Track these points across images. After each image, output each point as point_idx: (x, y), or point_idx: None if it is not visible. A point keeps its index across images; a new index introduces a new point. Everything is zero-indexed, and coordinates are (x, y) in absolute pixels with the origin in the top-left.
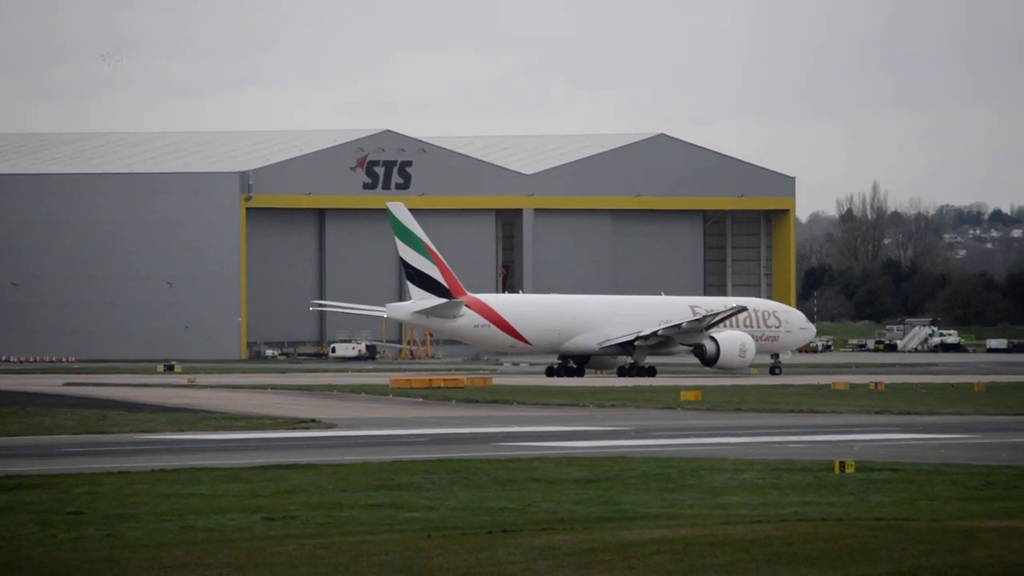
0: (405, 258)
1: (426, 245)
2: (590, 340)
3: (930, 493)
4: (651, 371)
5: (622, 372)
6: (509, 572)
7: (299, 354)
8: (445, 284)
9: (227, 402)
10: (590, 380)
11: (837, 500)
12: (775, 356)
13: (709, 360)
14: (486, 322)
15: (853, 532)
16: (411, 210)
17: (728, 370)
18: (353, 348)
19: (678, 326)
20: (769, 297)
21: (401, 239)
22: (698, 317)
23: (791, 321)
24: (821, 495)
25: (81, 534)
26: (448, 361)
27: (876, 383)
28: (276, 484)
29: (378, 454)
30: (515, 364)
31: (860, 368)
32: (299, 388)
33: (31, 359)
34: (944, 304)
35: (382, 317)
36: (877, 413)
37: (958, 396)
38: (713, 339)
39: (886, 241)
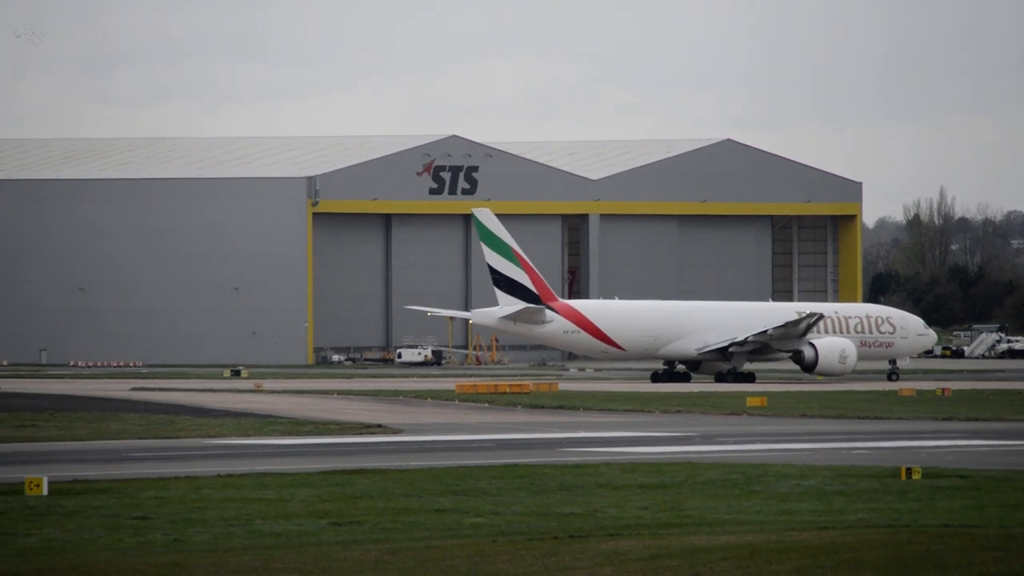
0: (492, 264)
1: (514, 251)
2: (688, 346)
3: (998, 499)
4: (750, 377)
5: (720, 378)
6: None
7: (365, 359)
8: (535, 289)
9: (294, 407)
10: (663, 386)
11: (904, 506)
12: (892, 362)
13: (808, 366)
14: (576, 328)
15: (920, 539)
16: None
17: (829, 376)
18: (419, 353)
19: (765, 332)
20: (836, 301)
21: (488, 245)
22: (782, 324)
23: (908, 327)
24: (888, 501)
25: (148, 538)
26: (514, 366)
27: (943, 389)
28: (342, 489)
29: (444, 459)
30: (580, 370)
31: (927, 374)
32: (365, 393)
33: (99, 364)
34: (1012, 310)
35: (448, 322)
36: (944, 419)
37: None
38: (812, 345)
39: (953, 247)
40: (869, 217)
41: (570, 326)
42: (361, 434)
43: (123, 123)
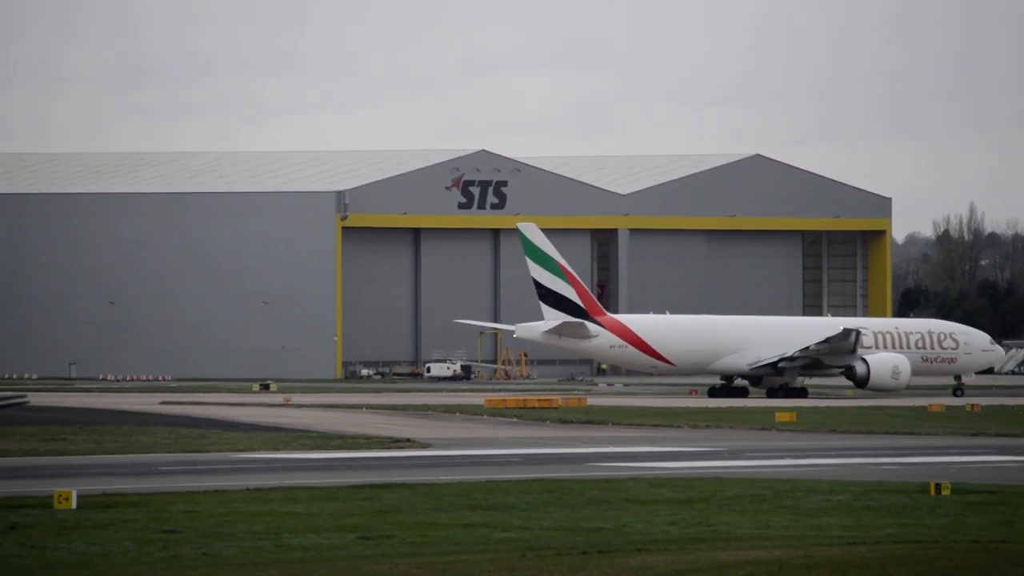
0: (537, 278)
1: (560, 265)
2: (740, 361)
3: None
4: (802, 392)
5: (771, 393)
6: None
7: (394, 374)
8: (581, 304)
9: (322, 421)
10: (689, 400)
11: (933, 522)
12: (958, 378)
13: (860, 382)
14: (623, 342)
15: (949, 554)
16: (505, 230)
17: (882, 392)
18: (448, 368)
19: (808, 348)
20: (864, 316)
21: (533, 259)
22: (824, 339)
23: (971, 343)
24: (917, 517)
25: (177, 552)
26: (543, 381)
27: (972, 405)
28: (371, 503)
29: (473, 474)
30: (610, 385)
31: (931, 391)
32: (394, 408)
33: (128, 378)
34: None
35: (477, 337)
36: (974, 435)
37: None
38: (864, 361)
39: (983, 262)
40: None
41: (617, 341)
42: (390, 448)
43: (154, 138)
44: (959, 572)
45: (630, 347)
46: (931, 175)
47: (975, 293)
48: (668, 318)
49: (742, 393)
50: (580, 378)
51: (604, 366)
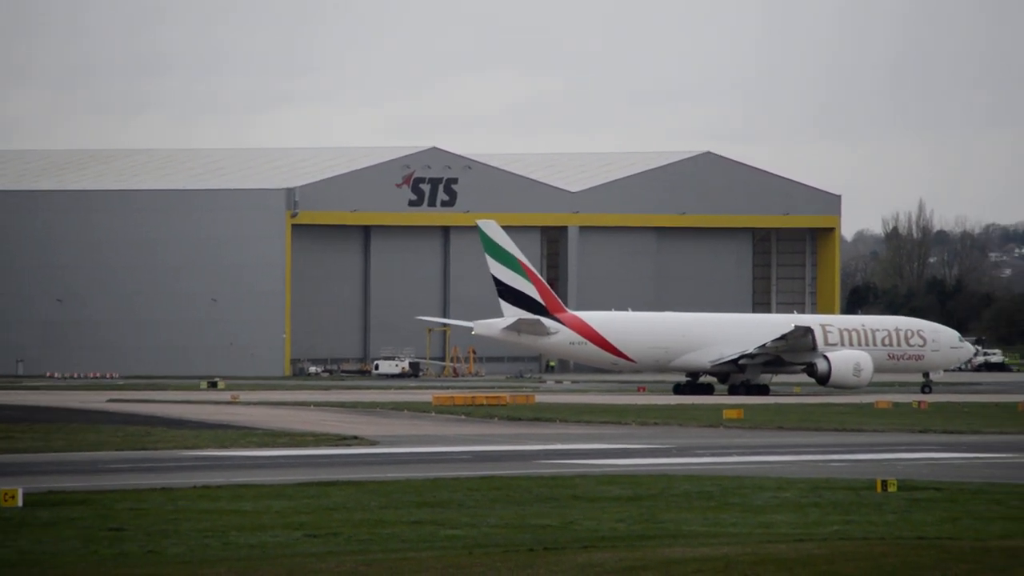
0: (496, 275)
1: (520, 262)
2: (702, 358)
3: (973, 512)
4: (764, 389)
5: (733, 390)
6: None
7: (342, 371)
8: (541, 300)
9: (270, 419)
10: (637, 397)
11: (879, 519)
12: (926, 375)
13: (821, 379)
14: (583, 339)
15: (896, 551)
16: (455, 227)
17: (843, 389)
18: (396, 365)
19: (764, 345)
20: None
21: (492, 256)
22: (779, 336)
23: (940, 340)
24: (863, 514)
25: (124, 550)
26: (491, 378)
27: (919, 402)
28: (318, 501)
29: (420, 471)
30: (558, 382)
31: (904, 387)
32: (342, 405)
33: (75, 375)
34: (989, 323)
35: (426, 334)
36: (920, 432)
37: (1002, 416)
38: (826, 358)
39: (931, 260)
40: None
41: (577, 338)
42: (337, 446)
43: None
44: (906, 569)
45: (590, 344)
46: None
47: (923, 290)
48: (629, 315)
49: (707, 390)
50: (528, 375)
51: (552, 363)
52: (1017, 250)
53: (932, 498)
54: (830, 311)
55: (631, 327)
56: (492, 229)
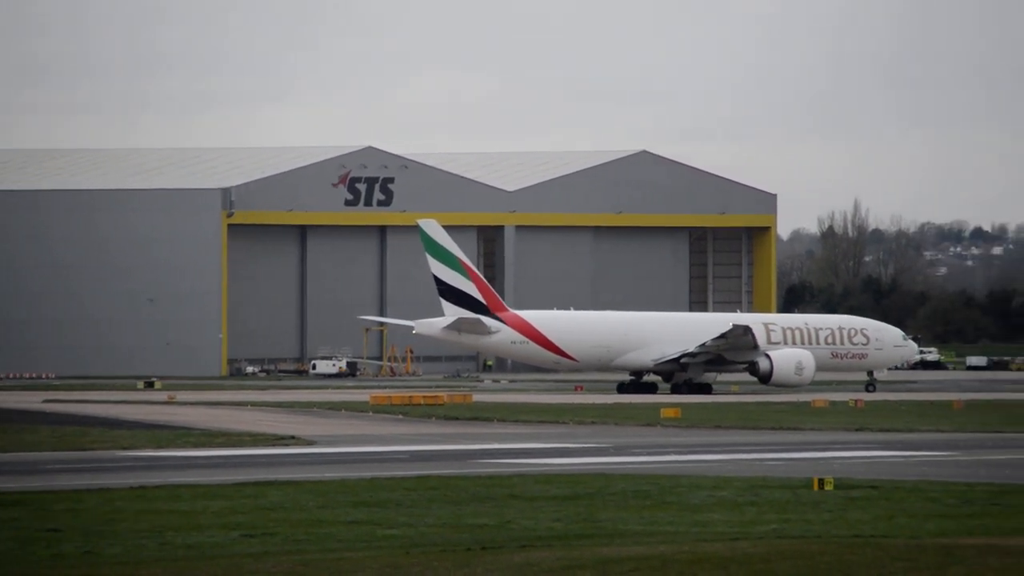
0: (437, 274)
1: (461, 261)
2: (644, 357)
3: (909, 510)
4: (707, 388)
5: (676, 389)
6: None
7: (279, 371)
8: (482, 300)
9: (207, 419)
10: (575, 397)
11: (816, 517)
12: (870, 373)
13: (763, 377)
14: (524, 339)
15: (832, 549)
16: (392, 227)
17: (785, 387)
18: (333, 365)
19: (704, 344)
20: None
21: (433, 255)
22: (719, 335)
23: (884, 339)
24: (800, 512)
25: (60, 551)
26: (428, 378)
27: (856, 400)
28: (255, 501)
29: (357, 471)
30: (495, 381)
31: (840, 385)
32: (279, 405)
33: (10, 375)
34: (924, 321)
35: (363, 334)
36: (857, 430)
37: (938, 414)
38: (767, 356)
39: (867, 258)
40: (784, 229)
41: (518, 337)
42: (274, 446)
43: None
44: (842, 567)
45: (532, 343)
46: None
47: (859, 289)
48: (571, 314)
49: (651, 389)
50: (466, 375)
51: (490, 362)
52: (952, 249)
53: (868, 496)
54: (766, 310)
55: (573, 326)
56: (433, 228)
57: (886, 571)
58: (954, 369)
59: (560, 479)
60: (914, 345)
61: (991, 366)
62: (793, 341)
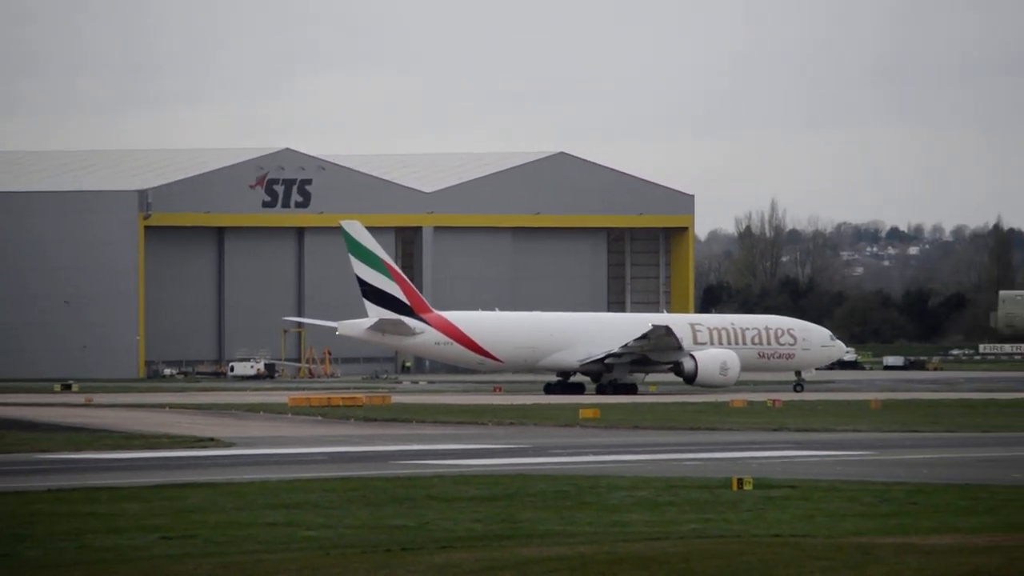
0: (360, 275)
1: (384, 262)
2: (570, 357)
3: (827, 510)
4: (632, 388)
5: (601, 389)
6: None
7: (197, 373)
8: (406, 301)
9: (125, 421)
10: (494, 398)
11: (735, 517)
12: (798, 373)
13: (688, 378)
14: (448, 340)
15: (751, 549)
16: (310, 228)
17: (711, 388)
18: (251, 367)
19: (627, 345)
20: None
21: (356, 256)
22: (640, 336)
23: (811, 339)
24: (719, 512)
25: None
26: (347, 379)
27: (773, 400)
28: (174, 503)
29: (276, 473)
30: (414, 382)
31: (757, 385)
32: (198, 407)
33: None
34: (842, 321)
35: (282, 335)
36: (775, 430)
37: (855, 413)
38: (692, 357)
39: (784, 258)
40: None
41: (442, 338)
42: (193, 447)
43: None
44: (761, 566)
45: (456, 344)
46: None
47: (776, 289)
48: (496, 315)
49: (578, 389)
50: (384, 376)
51: (408, 363)
52: (869, 249)
53: (787, 496)
54: (684, 310)
55: (498, 327)
56: (356, 230)
57: (805, 570)
58: (871, 369)
59: (479, 480)
60: (841, 345)
61: (908, 366)
62: (720, 341)
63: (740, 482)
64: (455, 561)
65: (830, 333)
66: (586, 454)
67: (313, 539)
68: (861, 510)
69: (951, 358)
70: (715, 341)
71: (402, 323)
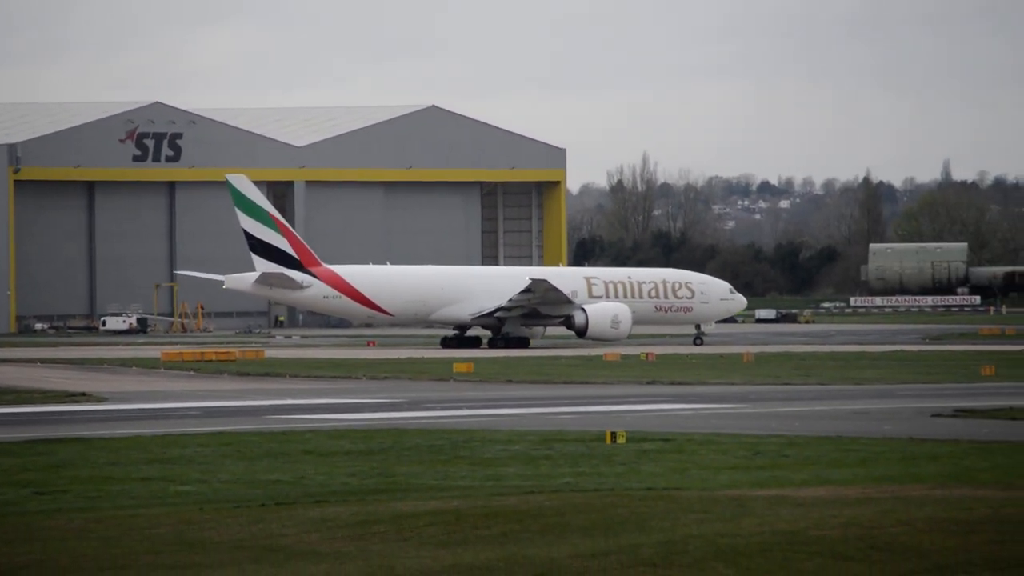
0: (247, 229)
1: (271, 216)
2: (461, 311)
3: (701, 463)
4: (524, 342)
5: (492, 343)
6: (283, 544)
7: (69, 327)
8: (295, 254)
9: None
10: (368, 352)
11: (609, 470)
12: (698, 327)
13: (579, 331)
14: (337, 293)
15: (625, 502)
16: (181, 182)
17: (602, 341)
18: (124, 321)
19: (511, 299)
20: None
21: (243, 210)
22: (523, 290)
23: (709, 292)
24: (593, 465)
25: None
26: (220, 334)
27: (647, 354)
28: (46, 458)
29: (149, 428)
30: (287, 337)
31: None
32: (70, 362)
33: None
34: (713, 275)
35: (154, 289)
36: (648, 383)
37: (728, 366)
38: (583, 310)
39: (656, 212)
40: (573, 183)
41: (331, 291)
42: (65, 402)
43: None
44: (635, 519)
45: (345, 298)
46: (605, 127)
47: (649, 243)
48: (385, 268)
49: (475, 343)
50: (257, 331)
51: (282, 318)
52: (740, 202)
53: (660, 449)
54: (557, 263)
55: (387, 281)
56: (242, 183)
57: (679, 523)
58: (743, 322)
59: (354, 434)
60: (741, 298)
61: (780, 319)
62: (616, 295)
63: (614, 435)
64: (330, 516)
65: (729, 286)
66: (461, 408)
67: (187, 494)
68: (734, 463)
69: (822, 311)
70: (611, 295)
71: (286, 276)
